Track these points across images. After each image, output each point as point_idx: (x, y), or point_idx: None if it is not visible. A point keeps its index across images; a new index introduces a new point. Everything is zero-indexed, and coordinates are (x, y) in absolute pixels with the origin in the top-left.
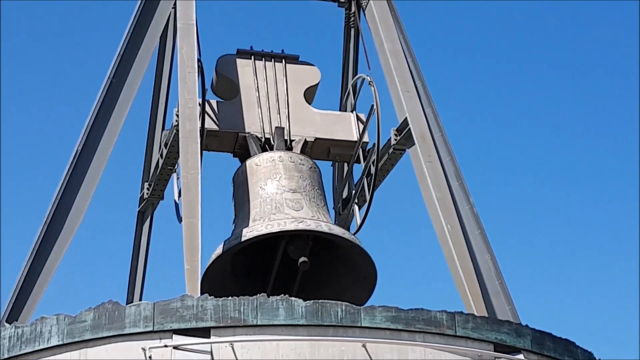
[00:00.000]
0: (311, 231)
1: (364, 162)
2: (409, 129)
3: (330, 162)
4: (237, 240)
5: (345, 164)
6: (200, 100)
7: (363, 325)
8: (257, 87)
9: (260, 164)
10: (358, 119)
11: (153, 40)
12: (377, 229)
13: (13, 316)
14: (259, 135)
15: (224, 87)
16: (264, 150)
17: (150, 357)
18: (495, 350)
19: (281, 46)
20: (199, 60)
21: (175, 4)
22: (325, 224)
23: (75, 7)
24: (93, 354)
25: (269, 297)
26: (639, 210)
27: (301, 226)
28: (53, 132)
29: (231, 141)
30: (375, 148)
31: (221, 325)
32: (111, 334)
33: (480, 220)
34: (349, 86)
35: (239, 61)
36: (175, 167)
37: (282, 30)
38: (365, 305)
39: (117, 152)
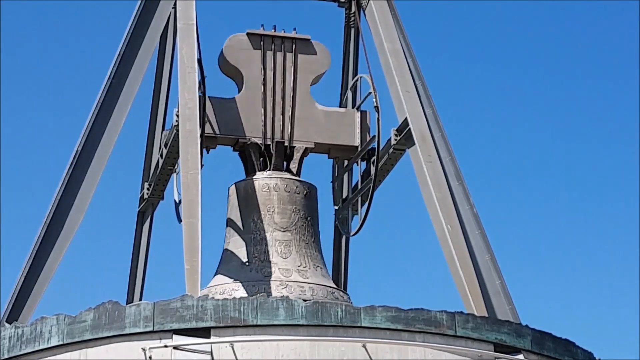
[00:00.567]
0: None
1: (364, 161)
2: (409, 129)
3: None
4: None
5: (345, 161)
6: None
7: (363, 325)
8: (264, 79)
9: (256, 190)
10: (362, 118)
11: (153, 41)
12: (377, 229)
13: (13, 316)
14: (259, 142)
15: (229, 69)
16: (262, 156)
17: (150, 357)
18: (495, 351)
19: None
20: (199, 60)
21: (175, 4)
22: (308, 288)
23: (75, 7)
24: (93, 354)
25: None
26: (639, 210)
27: (284, 292)
28: (53, 132)
29: (231, 142)
30: (376, 148)
31: (221, 325)
32: (111, 334)
33: (480, 220)
34: (349, 86)
35: (247, 46)
36: (175, 167)
37: (282, 30)
38: (365, 305)
39: (117, 152)
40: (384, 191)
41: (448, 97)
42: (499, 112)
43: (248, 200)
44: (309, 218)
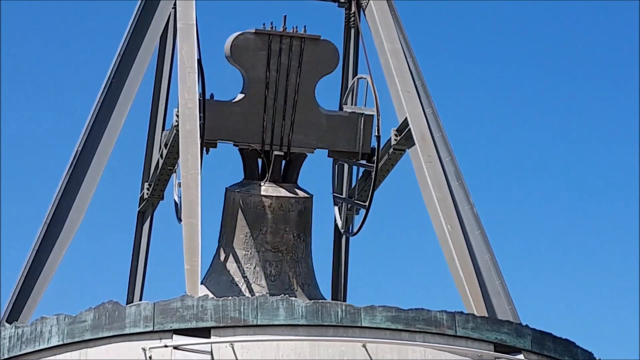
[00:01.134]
0: None
1: (364, 161)
2: (409, 129)
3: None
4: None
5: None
6: (200, 99)
7: (363, 325)
8: (267, 82)
9: (252, 205)
10: (365, 123)
11: (153, 41)
12: (377, 229)
13: (13, 316)
14: (259, 148)
15: (234, 65)
16: (260, 158)
17: (150, 357)
18: (495, 350)
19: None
20: (198, 60)
21: (175, 4)
22: None
23: (75, 7)
24: (93, 354)
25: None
26: (639, 210)
27: None
28: (53, 132)
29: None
30: (376, 148)
31: (221, 325)
32: (111, 334)
33: (480, 220)
34: (349, 86)
35: (254, 46)
36: (175, 167)
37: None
38: (365, 305)
39: (117, 152)
40: (384, 191)
41: (448, 97)
42: (499, 112)
43: (242, 214)
44: (301, 235)
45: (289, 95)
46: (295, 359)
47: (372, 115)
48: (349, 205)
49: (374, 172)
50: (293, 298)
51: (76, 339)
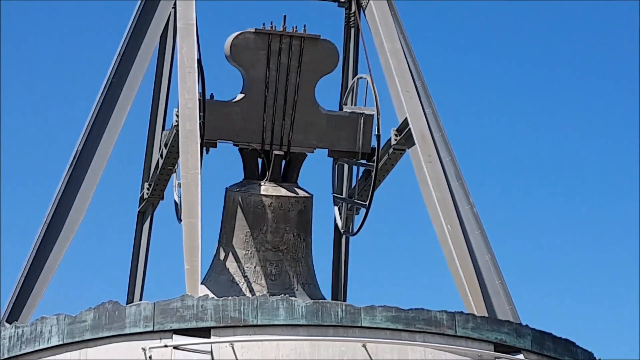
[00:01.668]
0: None
1: (364, 160)
2: (409, 129)
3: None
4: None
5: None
6: (200, 99)
7: (363, 325)
8: (267, 81)
9: (252, 205)
10: (365, 123)
11: (153, 40)
12: (377, 229)
13: (13, 316)
14: (259, 148)
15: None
16: (261, 158)
17: (150, 357)
18: (495, 350)
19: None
20: (198, 60)
21: (175, 4)
22: None
23: (75, 7)
24: (93, 354)
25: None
26: (639, 210)
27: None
28: (53, 132)
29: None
30: (376, 148)
31: (221, 325)
32: (111, 334)
33: (480, 220)
34: (349, 86)
35: (254, 45)
36: (175, 167)
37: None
38: (365, 305)
39: (117, 152)
40: (384, 191)
41: (448, 97)
42: (499, 112)
43: (242, 213)
44: (301, 235)
45: (289, 95)
46: (295, 359)
47: (372, 115)
48: (349, 205)
49: (374, 172)
50: (293, 298)
51: (76, 339)
